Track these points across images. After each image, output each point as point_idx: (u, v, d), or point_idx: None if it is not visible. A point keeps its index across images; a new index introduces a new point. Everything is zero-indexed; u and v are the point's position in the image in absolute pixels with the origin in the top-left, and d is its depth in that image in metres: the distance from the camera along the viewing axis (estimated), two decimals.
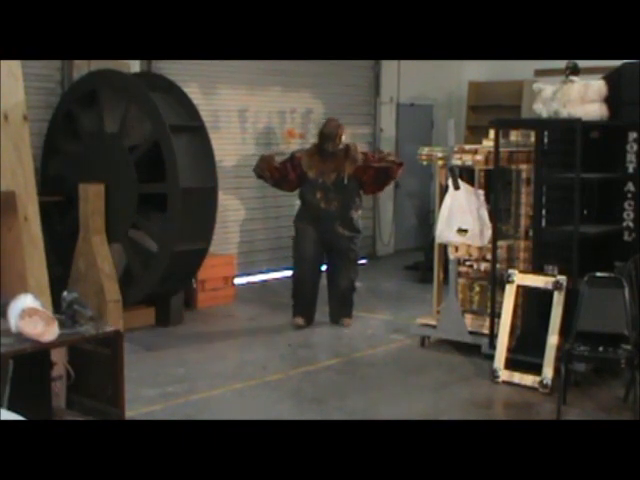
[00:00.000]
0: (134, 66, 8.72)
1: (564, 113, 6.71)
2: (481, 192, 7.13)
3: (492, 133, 7.11)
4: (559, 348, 6.14)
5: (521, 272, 6.72)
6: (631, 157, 6.72)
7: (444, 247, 7.39)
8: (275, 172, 8.16)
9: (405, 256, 11.57)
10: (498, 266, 6.95)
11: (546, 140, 6.82)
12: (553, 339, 6.27)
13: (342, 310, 8.16)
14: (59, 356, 5.04)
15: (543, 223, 6.83)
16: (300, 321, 7.98)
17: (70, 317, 4.69)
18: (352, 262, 8.18)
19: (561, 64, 6.93)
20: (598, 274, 5.87)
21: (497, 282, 6.89)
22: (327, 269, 8.24)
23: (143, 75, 8.66)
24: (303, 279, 8.08)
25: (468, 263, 7.34)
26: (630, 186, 6.73)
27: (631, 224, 6.73)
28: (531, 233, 6.99)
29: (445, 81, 12.54)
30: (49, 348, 4.70)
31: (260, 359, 6.99)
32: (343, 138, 8.02)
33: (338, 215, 7.98)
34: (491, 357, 6.64)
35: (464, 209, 7.03)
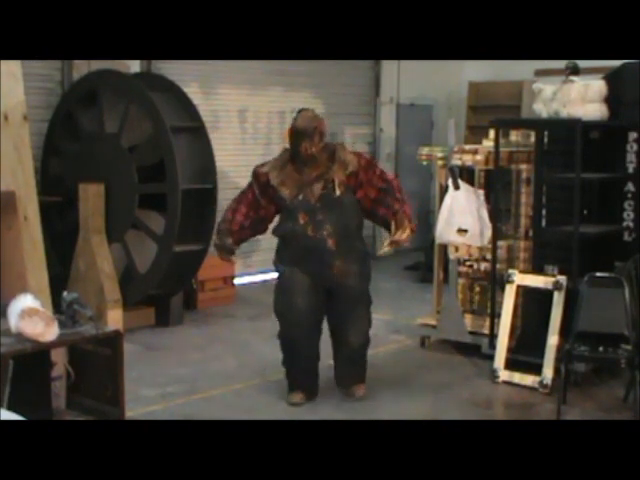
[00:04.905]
0: (134, 66, 8.73)
1: (564, 113, 6.71)
2: (481, 192, 7.13)
3: (492, 133, 7.11)
4: (559, 348, 6.14)
5: (521, 272, 6.72)
6: (631, 157, 6.71)
7: (444, 247, 7.39)
8: (244, 230, 6.05)
9: (405, 256, 11.55)
10: (498, 266, 6.95)
11: (546, 140, 6.82)
12: (553, 339, 6.27)
13: (353, 374, 6.06)
14: (59, 356, 5.04)
15: (543, 223, 6.83)
16: (298, 398, 5.95)
17: (70, 317, 4.70)
18: (364, 307, 6.00)
19: (561, 64, 6.92)
20: (598, 274, 5.87)
21: (497, 282, 6.89)
22: (329, 319, 6.02)
23: (143, 75, 8.67)
24: (296, 344, 5.93)
25: (468, 263, 7.34)
26: (630, 186, 6.73)
27: (631, 224, 6.73)
28: (531, 233, 7.00)
29: (445, 81, 12.53)
30: (49, 348, 4.70)
31: (260, 359, 6.99)
32: (325, 135, 5.92)
33: (335, 244, 5.78)
34: (491, 357, 6.63)
35: (464, 209, 7.02)
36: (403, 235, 5.89)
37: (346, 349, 6.00)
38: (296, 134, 5.81)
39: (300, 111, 5.97)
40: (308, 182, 5.81)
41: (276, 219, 6.09)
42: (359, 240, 6.00)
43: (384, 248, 6.06)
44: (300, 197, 5.80)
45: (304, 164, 5.82)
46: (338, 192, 5.79)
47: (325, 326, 6.05)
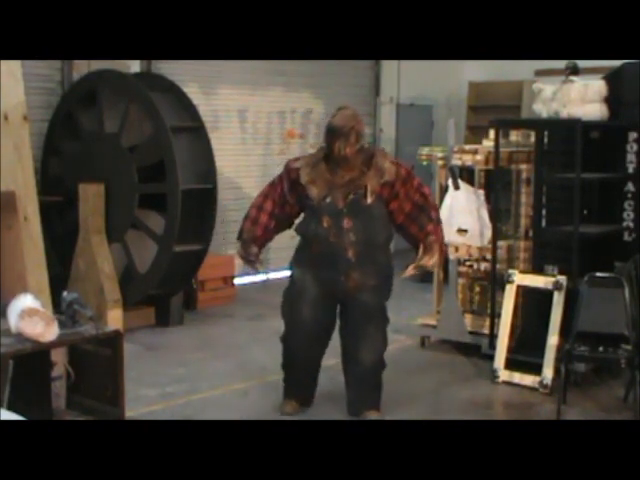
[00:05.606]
0: (134, 66, 8.73)
1: (564, 113, 6.71)
2: (481, 192, 7.14)
3: (492, 133, 7.11)
4: (559, 348, 6.14)
5: (521, 272, 6.72)
6: (631, 157, 6.72)
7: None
8: (268, 232, 5.82)
9: (405, 256, 11.49)
10: (498, 266, 6.95)
11: (546, 140, 6.83)
12: (553, 339, 6.27)
13: (364, 398, 5.62)
14: (59, 356, 5.04)
15: (543, 223, 6.83)
16: (290, 408, 5.72)
17: (70, 317, 4.70)
18: (379, 326, 5.64)
19: (561, 64, 6.93)
20: (598, 274, 5.87)
21: (497, 282, 6.90)
22: (342, 335, 5.68)
23: (143, 75, 8.67)
24: (296, 352, 5.68)
25: (468, 263, 7.34)
26: (630, 186, 6.73)
27: (631, 224, 6.73)
28: (531, 233, 7.00)
29: (445, 81, 12.53)
30: (49, 348, 4.70)
31: (260, 359, 6.99)
32: (362, 137, 5.53)
33: (355, 254, 5.46)
34: (491, 357, 6.63)
35: (464, 209, 7.03)
36: (430, 261, 5.64)
37: (357, 368, 5.57)
38: (331, 132, 5.42)
39: (339, 108, 5.61)
40: (339, 185, 5.45)
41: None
42: (384, 254, 5.64)
43: (409, 271, 5.77)
44: (328, 199, 5.44)
45: (337, 165, 5.46)
46: (369, 200, 5.43)
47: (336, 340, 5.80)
